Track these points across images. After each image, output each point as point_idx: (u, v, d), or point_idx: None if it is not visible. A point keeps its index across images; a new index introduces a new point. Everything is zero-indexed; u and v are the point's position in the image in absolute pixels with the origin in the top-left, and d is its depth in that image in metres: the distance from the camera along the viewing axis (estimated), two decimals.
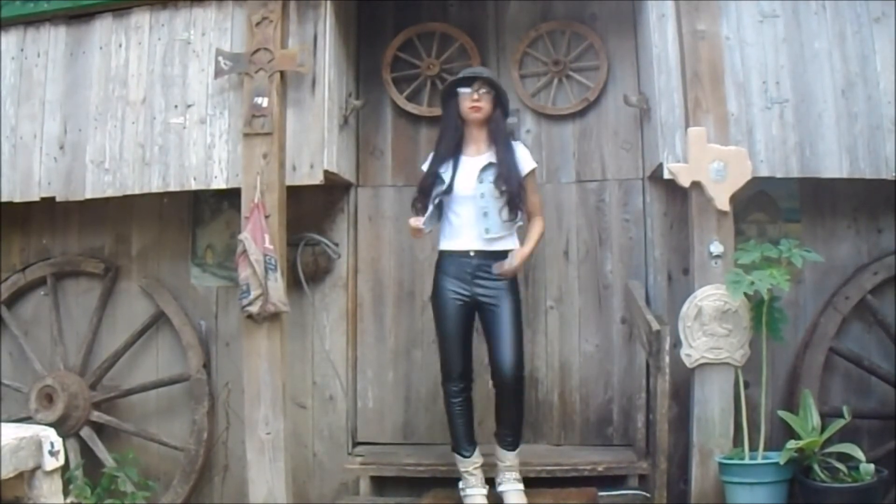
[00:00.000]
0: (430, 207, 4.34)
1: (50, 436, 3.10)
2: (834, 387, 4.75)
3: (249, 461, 4.46)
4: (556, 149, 5.22)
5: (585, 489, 4.59)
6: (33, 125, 4.91)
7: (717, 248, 4.24)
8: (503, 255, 4.33)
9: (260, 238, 4.36)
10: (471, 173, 4.36)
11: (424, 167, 4.48)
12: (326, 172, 4.58)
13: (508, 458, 4.37)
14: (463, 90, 4.38)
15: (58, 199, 4.87)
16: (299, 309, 5.02)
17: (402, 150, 5.39)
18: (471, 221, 4.34)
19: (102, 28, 4.90)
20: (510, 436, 4.37)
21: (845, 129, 4.33)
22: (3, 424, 3.16)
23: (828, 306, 4.70)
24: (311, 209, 5.13)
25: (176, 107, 4.74)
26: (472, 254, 4.33)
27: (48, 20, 4.95)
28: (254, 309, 4.36)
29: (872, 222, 4.81)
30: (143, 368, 5.30)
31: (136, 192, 4.76)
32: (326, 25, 4.63)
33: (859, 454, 3.93)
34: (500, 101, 4.44)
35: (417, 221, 4.27)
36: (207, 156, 4.67)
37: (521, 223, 4.41)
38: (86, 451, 5.03)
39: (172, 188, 4.72)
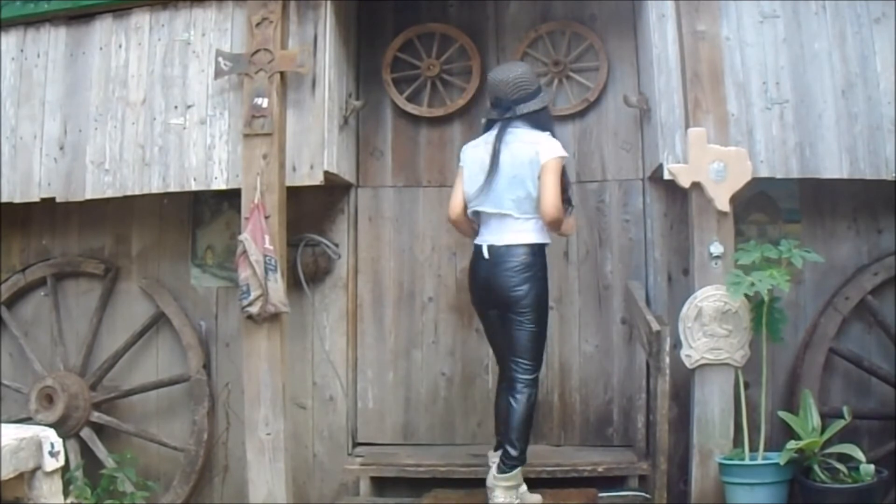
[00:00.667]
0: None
1: (50, 436, 3.10)
2: (834, 387, 4.76)
3: (249, 462, 4.46)
4: None
5: (585, 490, 4.59)
6: (33, 126, 4.91)
7: (717, 248, 4.24)
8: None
9: (260, 239, 4.36)
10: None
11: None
12: (326, 173, 4.58)
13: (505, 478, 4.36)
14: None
15: (58, 200, 4.87)
16: (299, 309, 5.02)
17: (403, 150, 5.39)
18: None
19: (102, 29, 4.89)
20: (507, 455, 4.32)
21: (845, 130, 4.33)
22: (3, 425, 3.16)
23: (828, 307, 4.70)
24: (312, 210, 5.13)
25: (176, 107, 4.73)
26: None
27: (48, 21, 4.95)
28: (254, 309, 4.36)
29: (872, 223, 4.81)
30: (143, 369, 5.30)
31: (136, 192, 4.76)
32: (326, 26, 4.63)
33: (859, 455, 3.93)
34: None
35: None
36: (207, 156, 4.66)
37: None
38: (86, 451, 5.02)
39: (172, 189, 4.72)
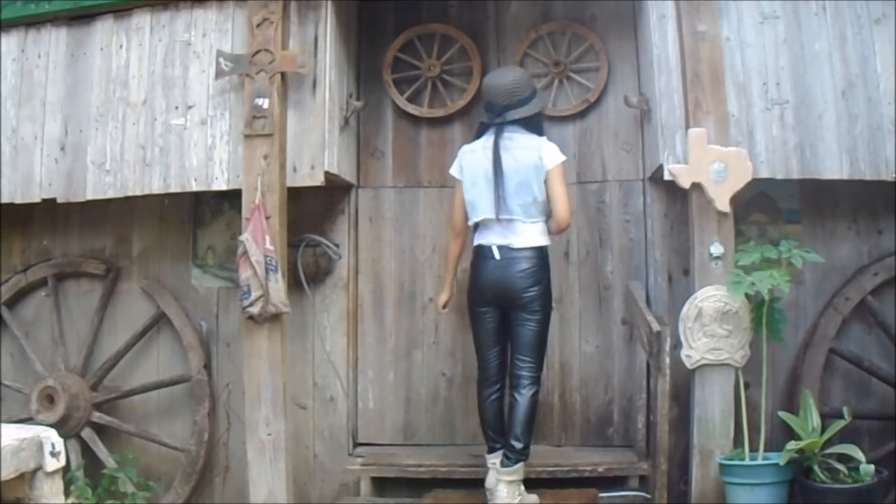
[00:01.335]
0: None
1: (51, 437, 3.10)
2: (834, 388, 4.76)
3: (250, 462, 4.46)
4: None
5: (586, 490, 4.60)
6: (34, 126, 4.91)
7: (717, 249, 4.24)
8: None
9: (261, 239, 4.36)
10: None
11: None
12: (327, 174, 4.59)
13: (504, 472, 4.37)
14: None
15: (59, 201, 4.87)
16: (300, 310, 5.02)
17: (403, 151, 5.39)
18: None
19: (103, 29, 4.89)
20: (512, 450, 4.34)
21: (845, 131, 4.33)
22: (4, 425, 3.16)
23: (828, 307, 4.70)
24: (312, 210, 5.13)
25: (177, 108, 4.74)
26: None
27: (49, 21, 4.95)
28: (254, 310, 4.36)
29: (873, 223, 4.81)
30: (143, 369, 5.31)
31: (137, 193, 4.76)
32: (327, 26, 4.63)
33: (859, 455, 3.94)
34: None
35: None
36: (208, 157, 4.67)
37: None
38: (87, 451, 5.03)
39: (173, 189, 4.72)
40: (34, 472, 3.05)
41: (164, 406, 5.27)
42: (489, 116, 4.42)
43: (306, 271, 5.03)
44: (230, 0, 4.73)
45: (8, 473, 2.90)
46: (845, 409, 4.14)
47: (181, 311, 5.19)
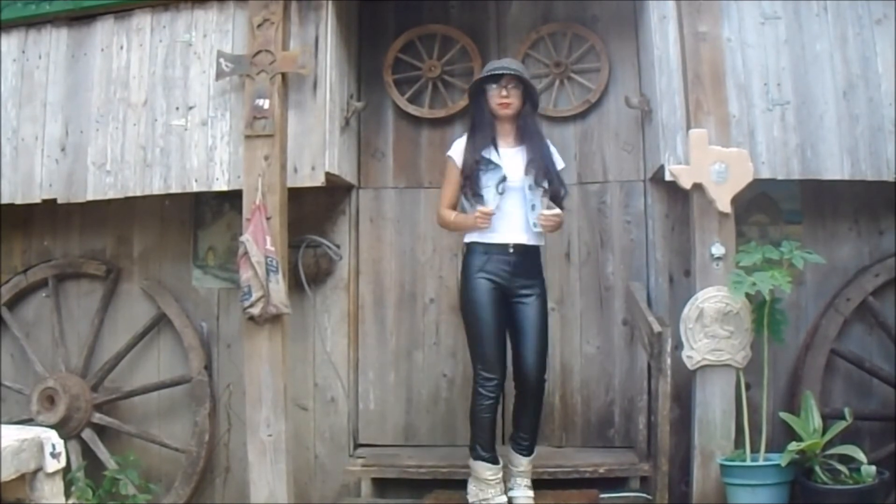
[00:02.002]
0: (494, 193, 4.28)
1: (51, 437, 3.10)
2: (835, 388, 4.75)
3: (251, 463, 4.46)
4: (558, 150, 5.20)
5: (587, 491, 4.60)
6: (35, 127, 4.91)
7: (718, 249, 4.24)
8: (537, 251, 4.38)
9: (261, 240, 4.36)
10: (516, 164, 4.34)
11: (455, 157, 4.42)
12: (328, 174, 4.58)
13: (523, 464, 4.36)
14: (490, 86, 4.37)
15: (59, 201, 4.87)
16: (300, 311, 5.02)
17: (404, 151, 5.39)
18: (517, 213, 4.31)
19: (104, 30, 4.89)
20: (527, 440, 4.36)
21: (846, 131, 4.33)
22: (4, 426, 3.16)
23: (829, 308, 4.70)
24: (313, 211, 5.13)
25: (177, 109, 4.74)
26: (511, 248, 4.29)
27: (49, 22, 4.95)
28: (255, 311, 4.36)
29: (874, 224, 4.81)
30: (144, 370, 5.30)
31: (138, 193, 4.76)
32: (328, 27, 4.63)
33: (861, 456, 3.93)
34: (529, 95, 4.43)
35: (488, 207, 4.21)
36: (209, 157, 4.66)
37: None
38: (87, 452, 5.02)
39: (174, 190, 4.72)
40: (35, 472, 3.05)
41: (165, 407, 5.27)
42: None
43: (307, 272, 5.03)
44: (231, 1, 4.74)
45: (8, 474, 2.90)
46: (846, 410, 4.14)
47: (182, 311, 5.19)
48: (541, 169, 4.32)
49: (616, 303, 5.11)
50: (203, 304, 5.27)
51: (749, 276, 4.05)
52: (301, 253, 5.01)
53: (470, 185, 4.30)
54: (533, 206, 4.29)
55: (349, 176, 5.11)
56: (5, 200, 4.91)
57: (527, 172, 4.32)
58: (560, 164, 4.46)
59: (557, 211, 4.26)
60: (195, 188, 4.70)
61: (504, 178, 4.28)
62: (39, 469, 3.05)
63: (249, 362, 4.48)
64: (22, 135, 4.92)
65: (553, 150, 4.48)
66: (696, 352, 4.22)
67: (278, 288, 4.37)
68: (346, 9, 4.97)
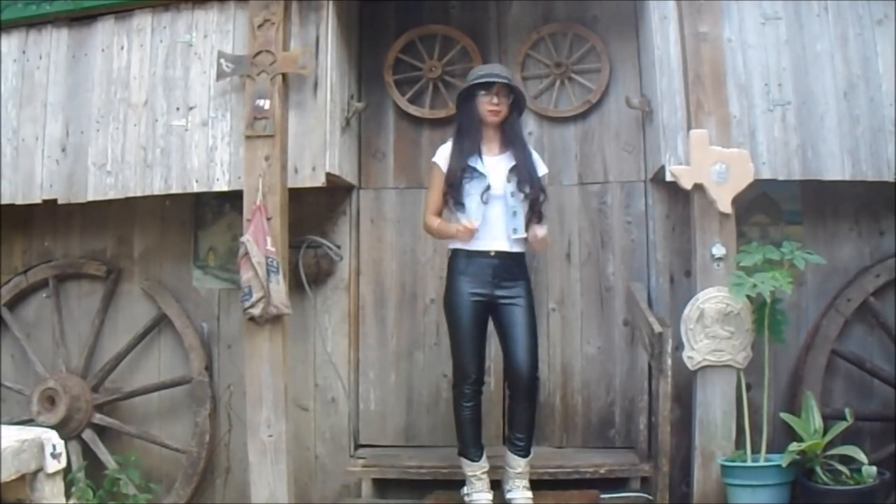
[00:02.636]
0: (478, 202, 4.29)
1: (52, 438, 3.10)
2: (836, 389, 4.75)
3: (251, 463, 4.46)
4: (558, 151, 5.22)
5: (587, 491, 4.59)
6: (35, 127, 4.91)
7: (719, 250, 4.24)
8: (520, 257, 4.38)
9: (262, 240, 4.36)
10: (500, 172, 4.35)
11: (441, 163, 4.40)
12: (328, 175, 4.58)
13: (520, 465, 4.36)
14: (480, 92, 4.37)
15: (60, 202, 4.87)
16: (301, 311, 5.02)
17: (404, 152, 5.39)
18: (499, 221, 4.31)
19: (104, 30, 4.90)
20: (524, 440, 4.36)
21: (847, 132, 4.33)
22: (4, 427, 3.16)
23: (830, 308, 4.70)
24: (313, 211, 5.13)
25: (178, 109, 4.74)
26: (492, 254, 4.30)
27: (50, 22, 4.95)
28: (256, 311, 4.36)
29: (874, 224, 4.81)
30: (144, 371, 5.30)
31: (138, 194, 4.76)
32: (328, 27, 4.63)
33: (861, 456, 3.94)
34: (516, 103, 4.44)
35: (474, 223, 4.23)
36: (209, 158, 4.66)
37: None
38: (88, 453, 5.02)
39: (174, 190, 4.72)
40: (35, 473, 3.05)
41: (166, 407, 5.27)
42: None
43: (307, 272, 5.03)
44: (231, 1, 4.74)
45: (9, 475, 2.90)
46: (847, 411, 4.14)
47: (182, 312, 5.19)
48: (524, 176, 4.33)
49: (617, 303, 5.11)
50: (204, 305, 5.27)
51: (750, 276, 4.05)
52: (301, 253, 5.01)
53: (453, 193, 4.32)
54: (514, 213, 4.31)
55: (350, 176, 5.11)
56: (6, 201, 4.91)
57: (509, 179, 4.33)
58: (542, 169, 4.47)
59: (545, 231, 4.32)
60: (196, 189, 4.70)
61: (488, 188, 4.30)
62: (40, 469, 3.05)
63: (250, 363, 4.49)
64: (22, 135, 4.92)
65: (535, 156, 4.48)
66: (697, 352, 4.22)
67: (279, 288, 4.38)
68: (346, 9, 4.97)
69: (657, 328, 4.24)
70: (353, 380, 5.22)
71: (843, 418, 4.10)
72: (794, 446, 3.96)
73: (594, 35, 5.20)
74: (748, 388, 4.23)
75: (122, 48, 4.86)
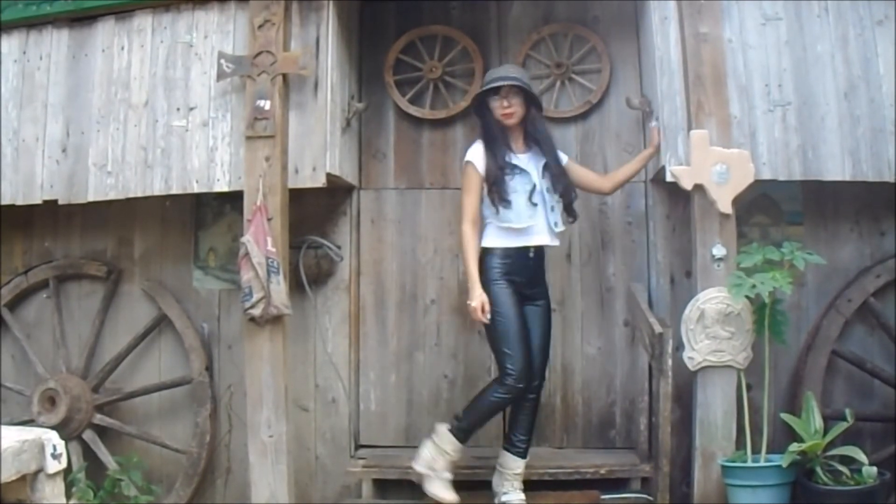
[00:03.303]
0: (526, 202, 4.34)
1: (52, 438, 3.10)
2: (836, 389, 4.75)
3: (252, 464, 4.46)
4: (559, 151, 5.21)
5: (588, 492, 4.60)
6: (35, 128, 4.91)
7: (719, 250, 4.24)
8: (546, 253, 4.48)
9: (262, 241, 4.36)
10: (533, 168, 4.39)
11: (476, 161, 4.37)
12: (329, 175, 4.58)
13: (519, 466, 4.36)
14: (492, 97, 4.40)
15: (60, 202, 4.87)
16: (301, 312, 5.02)
17: (405, 152, 5.39)
18: (540, 216, 4.36)
19: (105, 31, 4.89)
20: (525, 442, 4.37)
21: (848, 132, 4.33)
22: (5, 427, 3.16)
23: (830, 309, 4.70)
24: (314, 212, 5.13)
25: (178, 109, 4.73)
26: (532, 251, 4.37)
27: (50, 23, 4.95)
28: (256, 312, 4.36)
29: (875, 225, 4.81)
30: (145, 371, 5.30)
31: (139, 194, 4.76)
32: (329, 28, 4.63)
33: (862, 457, 3.94)
34: (531, 99, 4.45)
35: (485, 314, 4.24)
36: (210, 158, 4.66)
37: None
38: (88, 453, 5.02)
39: (175, 191, 4.71)
40: (35, 473, 3.05)
41: (166, 408, 5.27)
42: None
43: (308, 273, 5.03)
44: (231, 1, 4.73)
45: (9, 475, 2.90)
46: (847, 411, 4.13)
47: (183, 312, 5.19)
48: (556, 173, 4.42)
49: (617, 304, 5.11)
50: (204, 305, 5.27)
51: (750, 277, 4.05)
52: (302, 254, 5.00)
53: (497, 190, 4.31)
54: (552, 208, 4.39)
55: (350, 177, 5.11)
56: (6, 201, 4.91)
57: (543, 175, 4.39)
58: (564, 159, 4.56)
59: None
60: (196, 189, 4.70)
61: (534, 187, 4.35)
62: (40, 470, 3.06)
63: (250, 363, 4.49)
64: (23, 136, 4.92)
65: (561, 155, 4.57)
66: (698, 353, 4.22)
67: (279, 289, 4.38)
68: (346, 9, 4.97)
69: (658, 329, 4.24)
70: (354, 380, 5.22)
71: (844, 419, 4.09)
72: (794, 447, 3.96)
73: (595, 35, 5.20)
74: (749, 388, 4.23)
75: (123, 49, 4.86)
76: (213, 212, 5.30)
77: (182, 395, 5.23)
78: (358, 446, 5.20)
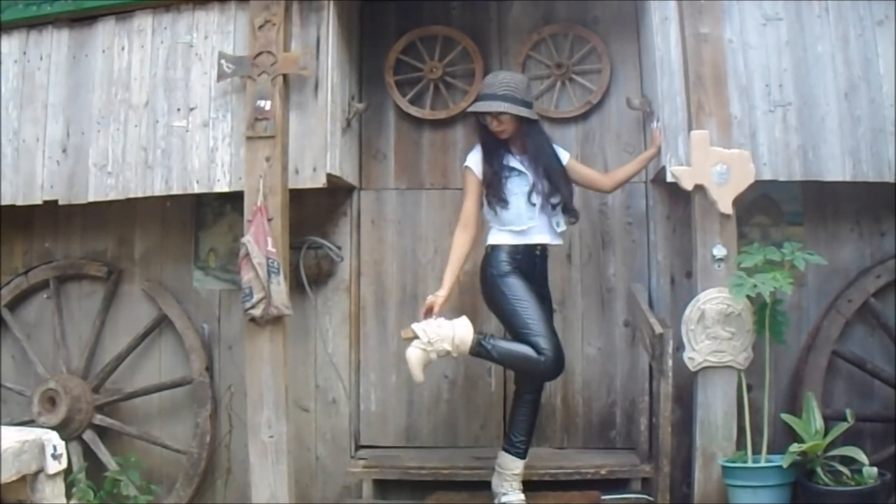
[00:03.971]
0: (526, 202, 4.36)
1: (52, 439, 3.10)
2: (837, 390, 4.75)
3: (252, 464, 4.46)
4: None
5: (588, 492, 4.60)
6: (36, 128, 4.91)
7: (720, 251, 4.24)
8: (547, 252, 4.49)
9: (262, 241, 4.36)
10: (533, 169, 4.41)
11: (473, 166, 4.40)
12: (329, 175, 4.58)
13: (518, 466, 4.35)
14: (482, 117, 4.41)
15: (60, 203, 4.87)
16: (302, 312, 5.02)
17: (405, 153, 5.39)
18: (530, 216, 4.36)
19: (105, 31, 4.89)
20: (524, 442, 4.37)
21: (848, 132, 4.33)
22: (5, 428, 3.15)
23: (830, 309, 4.70)
24: (314, 212, 5.13)
25: (178, 110, 4.73)
26: (538, 249, 4.42)
27: (51, 23, 4.95)
28: (256, 312, 4.36)
29: (875, 225, 4.81)
30: (145, 372, 5.30)
31: (139, 195, 4.76)
32: (329, 28, 4.63)
33: (862, 457, 3.93)
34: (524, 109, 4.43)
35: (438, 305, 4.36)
36: (210, 159, 4.66)
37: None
38: (89, 454, 5.02)
39: (175, 191, 4.71)
40: (36, 474, 3.04)
41: (166, 408, 5.27)
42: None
43: (308, 273, 5.03)
44: (232, 1, 4.73)
45: (9, 476, 2.90)
46: (848, 412, 4.13)
47: (183, 313, 5.19)
48: (555, 174, 4.44)
49: (617, 304, 5.12)
50: (204, 306, 5.27)
51: (750, 277, 4.05)
52: (302, 254, 5.00)
53: (494, 191, 4.34)
54: (553, 208, 4.41)
55: (350, 177, 5.11)
56: (6, 202, 4.91)
57: (542, 176, 4.41)
58: (565, 157, 4.57)
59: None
60: (196, 189, 4.70)
61: (533, 188, 4.36)
62: (40, 470, 3.05)
63: (251, 364, 4.49)
64: (23, 136, 4.92)
65: (557, 149, 4.57)
66: (698, 353, 4.22)
67: (279, 289, 4.38)
68: (347, 10, 4.97)
69: (658, 329, 4.24)
70: (354, 381, 5.22)
71: (844, 419, 4.09)
72: (794, 447, 3.96)
73: (595, 36, 5.20)
74: (749, 388, 4.23)
75: (123, 49, 4.86)
76: (214, 212, 5.30)
77: (182, 395, 5.23)
78: (358, 447, 5.20)
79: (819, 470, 3.97)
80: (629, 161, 4.77)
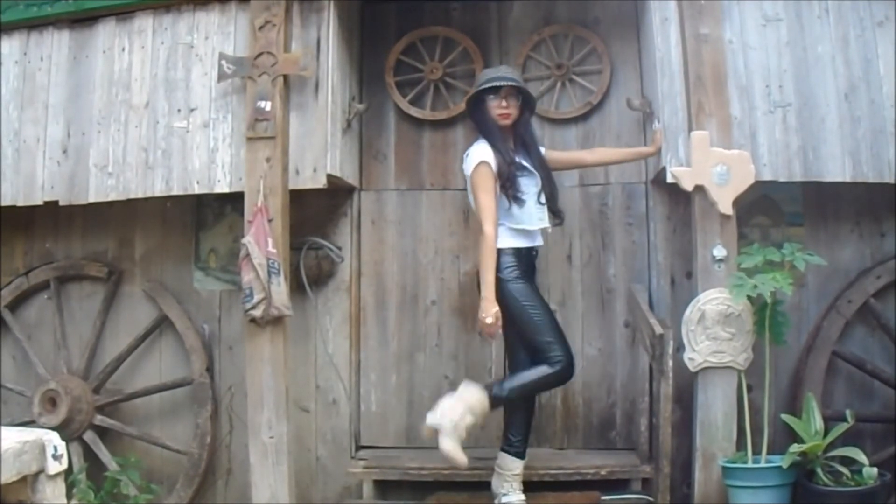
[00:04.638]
0: (537, 204, 4.37)
1: (53, 439, 3.09)
2: (837, 390, 4.75)
3: (252, 465, 4.46)
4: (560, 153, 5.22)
5: (588, 493, 4.59)
6: (36, 129, 4.92)
7: (720, 251, 4.24)
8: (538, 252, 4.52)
9: (263, 242, 4.36)
10: (535, 170, 4.43)
11: (489, 160, 4.30)
12: (329, 176, 4.58)
13: (517, 467, 4.35)
14: (490, 97, 4.39)
15: (61, 203, 4.87)
16: (302, 313, 5.02)
17: (406, 153, 5.39)
18: (540, 217, 4.39)
19: (106, 32, 4.90)
20: (522, 442, 4.37)
21: (848, 133, 4.33)
22: (5, 428, 3.15)
23: (831, 310, 4.70)
24: (315, 213, 5.13)
25: (179, 110, 4.74)
26: (534, 251, 4.45)
27: (51, 24, 4.96)
28: (257, 313, 4.36)
29: (875, 226, 4.81)
30: (146, 372, 5.30)
31: (140, 195, 4.77)
32: (329, 29, 4.63)
33: (862, 458, 3.94)
34: (527, 103, 4.47)
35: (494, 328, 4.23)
36: (210, 159, 4.67)
37: None
38: (89, 454, 5.03)
39: (176, 192, 4.72)
40: (36, 474, 3.04)
41: (167, 409, 5.27)
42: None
43: (308, 274, 5.03)
44: (232, 2, 4.74)
45: (10, 476, 2.90)
46: (848, 412, 4.14)
47: (183, 313, 5.19)
48: (546, 175, 4.44)
49: (618, 305, 5.11)
50: (205, 306, 5.28)
51: (751, 278, 4.05)
52: (303, 255, 5.01)
53: (511, 187, 4.30)
54: (543, 206, 4.42)
55: (351, 178, 5.11)
56: (7, 202, 4.92)
57: (545, 178, 4.44)
58: (542, 152, 4.59)
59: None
60: (197, 190, 4.71)
61: (542, 189, 4.38)
62: (41, 471, 3.05)
63: (251, 364, 4.49)
64: (23, 137, 4.93)
65: (541, 149, 4.60)
66: (698, 354, 4.22)
67: (280, 290, 4.38)
68: (347, 11, 4.97)
69: (658, 330, 4.24)
70: (355, 381, 5.22)
71: (844, 420, 4.10)
72: (794, 447, 3.96)
73: (595, 36, 5.20)
74: (749, 389, 4.23)
75: (124, 50, 4.86)
76: (214, 213, 5.30)
77: (183, 395, 5.23)
78: (358, 447, 5.20)
79: (819, 470, 3.97)
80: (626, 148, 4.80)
